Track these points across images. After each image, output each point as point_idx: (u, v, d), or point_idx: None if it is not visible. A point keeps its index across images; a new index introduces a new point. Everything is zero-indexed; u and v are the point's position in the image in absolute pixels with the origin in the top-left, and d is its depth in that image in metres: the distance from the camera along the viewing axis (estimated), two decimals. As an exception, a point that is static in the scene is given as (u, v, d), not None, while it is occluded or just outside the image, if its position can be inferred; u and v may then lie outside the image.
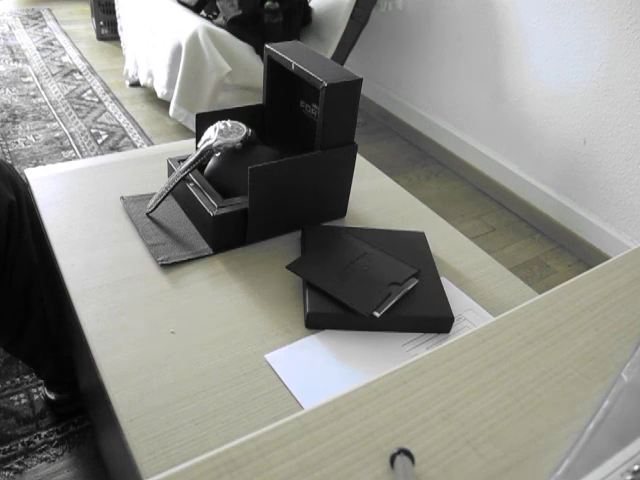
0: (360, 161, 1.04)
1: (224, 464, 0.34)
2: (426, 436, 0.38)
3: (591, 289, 0.52)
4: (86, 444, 1.10)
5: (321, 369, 0.64)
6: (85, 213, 0.83)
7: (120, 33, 2.51)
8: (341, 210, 0.90)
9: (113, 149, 2.08)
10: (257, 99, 0.95)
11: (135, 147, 2.10)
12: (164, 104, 2.31)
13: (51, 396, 1.15)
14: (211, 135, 0.82)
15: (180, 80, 2.00)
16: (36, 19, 3.17)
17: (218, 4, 2.04)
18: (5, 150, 1.98)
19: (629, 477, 0.34)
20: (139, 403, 0.57)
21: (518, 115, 1.98)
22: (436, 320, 0.70)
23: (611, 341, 0.47)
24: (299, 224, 0.84)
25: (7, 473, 1.04)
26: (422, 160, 2.33)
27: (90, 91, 2.47)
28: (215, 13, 2.12)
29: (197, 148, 0.83)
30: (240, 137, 0.82)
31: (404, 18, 2.34)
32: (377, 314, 0.67)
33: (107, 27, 2.96)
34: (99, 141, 2.11)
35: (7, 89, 2.39)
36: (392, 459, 0.36)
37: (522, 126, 1.98)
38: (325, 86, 0.74)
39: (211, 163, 0.84)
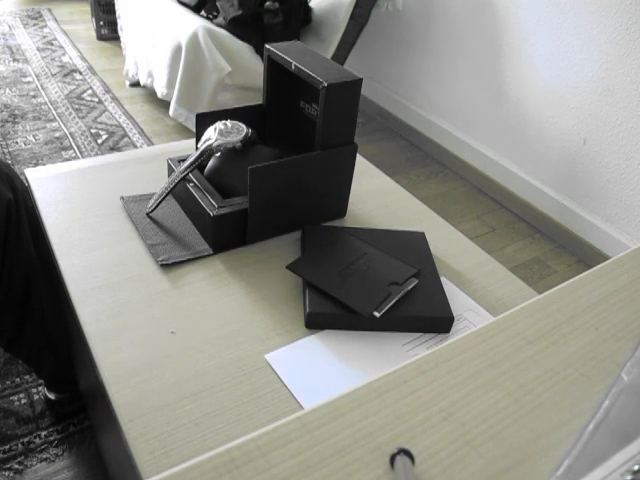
0: (360, 161, 1.04)
1: (224, 464, 0.34)
2: (426, 436, 0.38)
3: (591, 289, 0.52)
4: (86, 444, 1.10)
5: (321, 369, 0.64)
6: (85, 213, 0.83)
7: (120, 33, 2.51)
8: (341, 210, 0.90)
9: (113, 149, 2.08)
10: (257, 99, 0.95)
11: (135, 147, 2.10)
12: (164, 104, 2.31)
13: (51, 396, 1.15)
14: (211, 135, 0.82)
15: (180, 80, 2.00)
16: (36, 19, 3.17)
17: (218, 4, 2.04)
18: (5, 150, 1.98)
19: (629, 477, 0.34)
20: (139, 403, 0.57)
21: (518, 115, 1.98)
22: (436, 320, 0.70)
23: (611, 341, 0.47)
24: (299, 224, 0.84)
25: (7, 473, 1.04)
26: (422, 160, 2.33)
27: (90, 91, 2.46)
28: (215, 13, 2.12)
29: (197, 148, 0.83)
30: (240, 137, 0.82)
31: (404, 18, 2.34)
32: (377, 314, 0.67)
33: (107, 27, 2.96)
34: (99, 141, 2.11)
35: (7, 89, 2.39)
36: (392, 459, 0.36)
37: (522, 126, 1.98)
38: (325, 86, 0.74)
39: (211, 163, 0.84)
